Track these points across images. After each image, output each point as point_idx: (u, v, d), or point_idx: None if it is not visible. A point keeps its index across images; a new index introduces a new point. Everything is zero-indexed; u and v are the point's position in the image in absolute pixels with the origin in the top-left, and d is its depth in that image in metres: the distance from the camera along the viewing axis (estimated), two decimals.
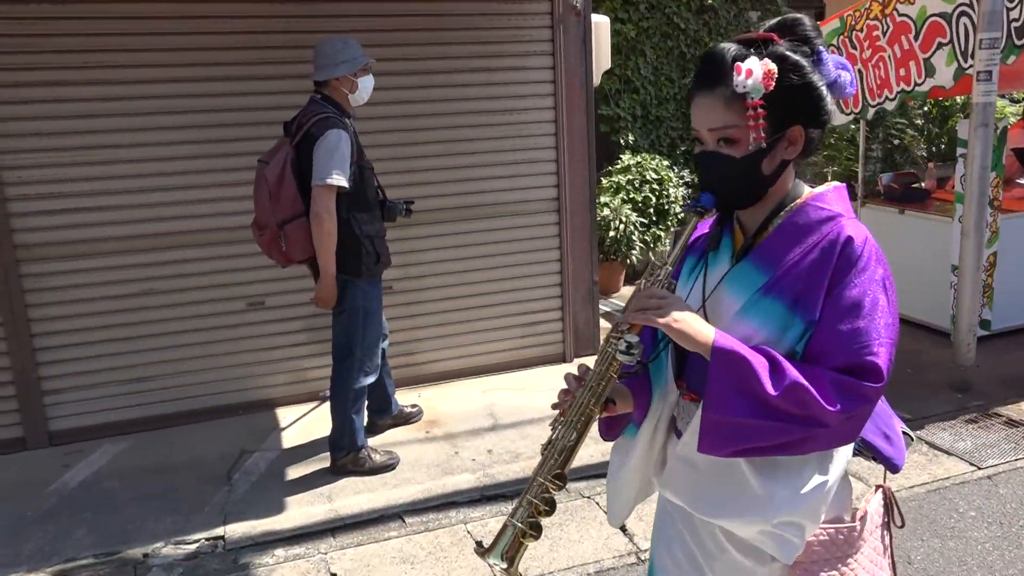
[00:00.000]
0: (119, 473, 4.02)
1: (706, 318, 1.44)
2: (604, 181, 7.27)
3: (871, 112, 5.66)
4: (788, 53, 1.38)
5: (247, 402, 4.65)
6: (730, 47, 1.40)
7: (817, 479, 1.40)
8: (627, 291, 7.33)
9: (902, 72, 5.21)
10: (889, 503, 1.62)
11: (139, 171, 4.28)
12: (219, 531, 3.48)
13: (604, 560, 3.25)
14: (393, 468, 3.95)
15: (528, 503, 1.47)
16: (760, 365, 1.31)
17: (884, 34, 5.26)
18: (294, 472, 3.97)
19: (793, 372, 1.30)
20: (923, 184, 6.40)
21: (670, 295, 1.41)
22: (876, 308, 1.34)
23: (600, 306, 5.62)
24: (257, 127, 4.33)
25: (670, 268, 1.46)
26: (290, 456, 4.14)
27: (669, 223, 7.31)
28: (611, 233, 6.78)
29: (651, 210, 7.18)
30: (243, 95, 4.37)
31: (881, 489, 1.63)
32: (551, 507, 1.46)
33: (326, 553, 3.36)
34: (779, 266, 1.41)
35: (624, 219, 6.85)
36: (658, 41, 7.97)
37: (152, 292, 4.37)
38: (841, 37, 5.65)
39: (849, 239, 1.37)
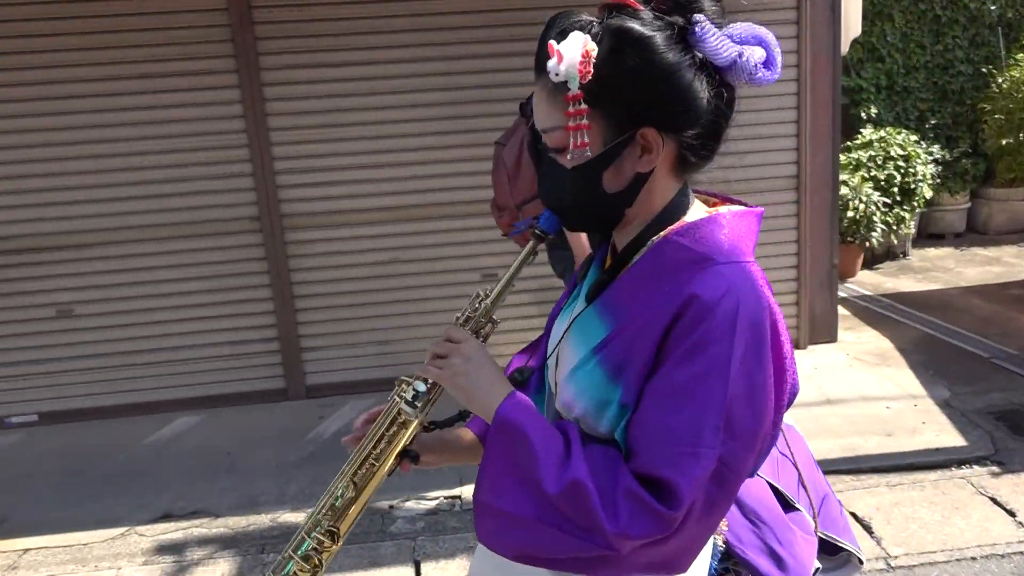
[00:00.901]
0: None
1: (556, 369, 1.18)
2: (843, 157, 6.81)
3: None
4: (632, 26, 1.02)
5: None
6: (568, 18, 1.06)
7: None
8: (864, 276, 6.85)
9: None
10: None
11: (386, 147, 4.54)
12: (456, 491, 3.65)
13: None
14: None
15: (289, 559, 1.23)
16: (548, 449, 1.03)
17: None
18: None
19: (579, 467, 1.01)
20: None
21: (467, 340, 1.15)
22: (708, 403, 1.00)
23: (838, 292, 5.28)
24: (493, 104, 4.44)
25: (490, 304, 1.21)
26: None
27: (915, 204, 6.72)
28: (849, 213, 6.35)
29: (895, 189, 6.64)
30: (482, 72, 4.50)
31: None
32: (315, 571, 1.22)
33: None
34: (618, 320, 1.09)
35: (864, 198, 6.38)
36: (908, 4, 7.31)
37: (397, 261, 4.64)
38: None
39: (694, 298, 1.02)
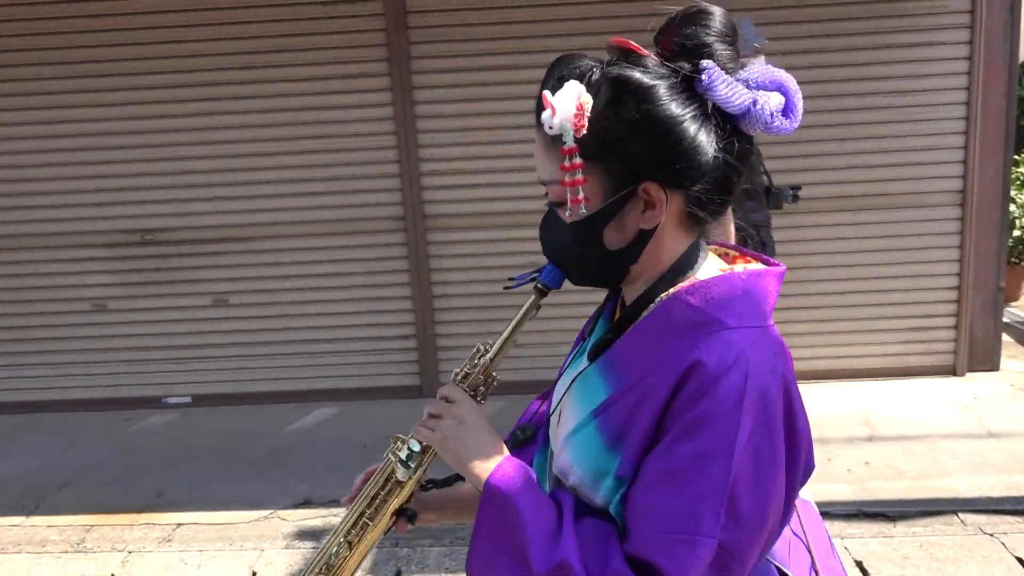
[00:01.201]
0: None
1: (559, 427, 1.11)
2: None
3: None
4: (631, 74, 0.96)
5: None
6: (570, 63, 1.00)
7: None
8: None
9: None
10: None
11: (529, 151, 4.54)
12: None
13: None
14: None
15: None
16: (538, 525, 0.97)
17: None
18: None
19: (569, 546, 0.95)
20: None
21: (462, 400, 1.10)
22: (708, 485, 0.91)
23: (1002, 317, 4.90)
24: None
25: (488, 360, 1.15)
26: None
27: None
28: (1015, 232, 5.89)
29: None
30: None
31: None
32: None
33: None
34: (620, 383, 1.01)
35: None
36: None
37: (534, 265, 4.63)
38: None
39: (698, 366, 0.94)
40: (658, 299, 1.03)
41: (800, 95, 1.00)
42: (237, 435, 4.41)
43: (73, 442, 4.46)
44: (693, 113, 0.96)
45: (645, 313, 1.04)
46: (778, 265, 1.08)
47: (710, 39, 0.97)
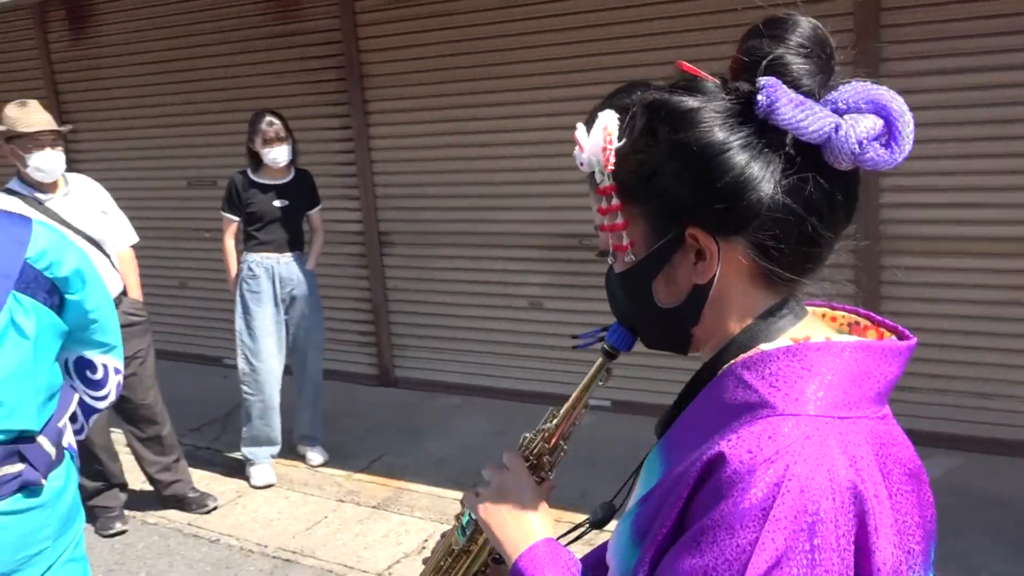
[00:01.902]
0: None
1: None
2: None
3: None
4: (668, 97, 0.82)
5: None
6: (625, 94, 0.86)
7: None
8: None
9: None
10: None
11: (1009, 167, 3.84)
12: None
13: None
14: None
15: None
16: None
17: None
18: None
19: None
20: None
21: (513, 469, 1.03)
22: None
23: None
24: None
25: (553, 427, 1.05)
26: None
27: None
28: None
29: None
30: None
31: None
32: None
33: None
34: (668, 466, 0.83)
35: None
36: None
37: (1016, 302, 3.90)
38: None
39: (719, 460, 0.74)
40: (721, 371, 0.86)
41: (908, 119, 0.79)
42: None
43: (506, 427, 4.75)
44: (743, 141, 0.80)
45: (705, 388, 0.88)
46: (909, 338, 0.86)
47: (781, 50, 0.79)
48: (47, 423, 2.08)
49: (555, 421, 1.08)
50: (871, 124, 0.79)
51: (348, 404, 5.40)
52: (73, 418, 2.25)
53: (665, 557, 0.80)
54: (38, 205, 3.69)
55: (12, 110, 3.65)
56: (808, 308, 0.90)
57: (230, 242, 4.48)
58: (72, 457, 2.23)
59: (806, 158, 0.80)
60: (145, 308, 4.16)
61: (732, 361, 0.86)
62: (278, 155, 4.28)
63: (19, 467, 1.99)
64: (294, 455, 4.70)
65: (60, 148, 3.70)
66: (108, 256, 3.91)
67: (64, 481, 2.14)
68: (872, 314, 0.93)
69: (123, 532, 4.08)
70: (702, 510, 0.76)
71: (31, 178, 3.69)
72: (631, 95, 0.86)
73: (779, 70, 0.79)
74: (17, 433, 1.99)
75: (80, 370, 2.27)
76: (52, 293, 2.06)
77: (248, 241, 4.43)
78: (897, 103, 0.80)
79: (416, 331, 5.59)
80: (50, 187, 3.75)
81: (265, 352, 4.40)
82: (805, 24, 0.80)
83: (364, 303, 5.78)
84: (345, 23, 5.34)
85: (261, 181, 4.37)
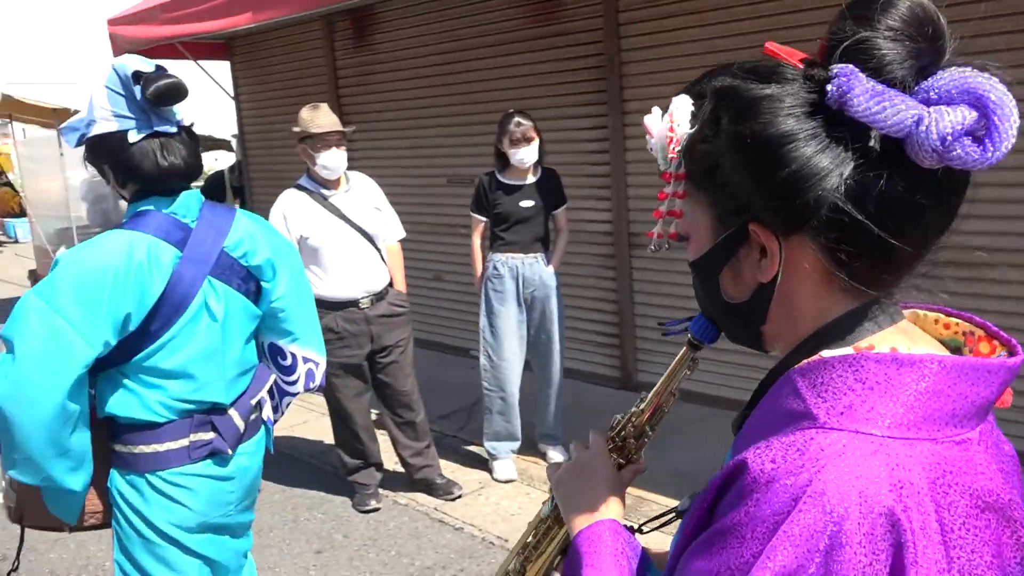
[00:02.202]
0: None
1: None
2: None
3: None
4: (737, 83, 0.77)
5: None
6: (702, 80, 0.83)
7: None
8: None
9: None
10: None
11: None
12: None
13: None
14: None
15: None
16: None
17: None
18: None
19: None
20: None
21: (594, 451, 1.04)
22: None
23: None
24: None
25: (641, 411, 1.06)
26: None
27: None
28: None
29: None
30: None
31: None
32: None
33: None
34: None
35: None
36: None
37: None
38: None
39: (741, 468, 0.72)
40: (784, 375, 0.80)
41: (1009, 111, 0.67)
42: None
43: None
44: (810, 133, 0.72)
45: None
46: (1006, 359, 0.75)
47: (866, 33, 0.70)
48: (238, 398, 2.25)
49: (642, 407, 1.08)
50: (959, 117, 0.68)
51: (589, 404, 5.37)
52: (271, 395, 2.43)
53: (684, 555, 0.79)
54: (323, 200, 4.02)
55: (306, 112, 4.01)
56: (920, 312, 0.86)
57: (477, 241, 4.60)
58: (268, 431, 2.39)
59: (888, 156, 0.72)
60: (407, 300, 4.39)
61: (795, 366, 0.81)
62: (525, 156, 4.31)
63: (210, 435, 2.18)
64: (535, 451, 4.74)
65: (344, 148, 4.01)
66: (379, 250, 4.16)
67: (250, 461, 2.31)
68: (989, 324, 0.84)
69: (377, 510, 4.32)
70: (719, 513, 0.75)
71: (318, 175, 4.02)
72: (713, 80, 0.82)
73: (860, 56, 0.71)
74: (210, 404, 2.17)
75: (272, 355, 2.46)
76: (247, 280, 2.24)
77: (495, 241, 4.51)
78: (996, 93, 0.68)
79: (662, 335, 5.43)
80: (334, 184, 4.07)
81: (507, 351, 4.47)
82: (902, 3, 0.70)
83: (609, 304, 5.72)
84: (608, 22, 5.30)
85: (507, 182, 4.43)
